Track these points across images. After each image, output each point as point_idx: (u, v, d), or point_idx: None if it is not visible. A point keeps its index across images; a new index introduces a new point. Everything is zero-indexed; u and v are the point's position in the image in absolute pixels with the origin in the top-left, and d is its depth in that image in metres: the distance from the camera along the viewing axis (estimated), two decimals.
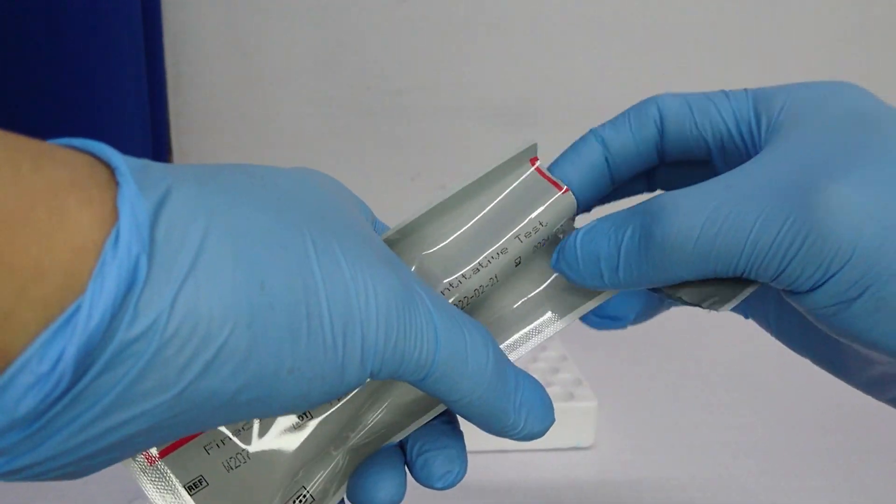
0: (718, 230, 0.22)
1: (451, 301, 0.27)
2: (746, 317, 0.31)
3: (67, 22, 0.72)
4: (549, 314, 0.28)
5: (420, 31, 0.95)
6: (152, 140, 0.90)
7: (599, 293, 0.28)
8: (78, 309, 0.16)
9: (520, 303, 0.29)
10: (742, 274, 0.23)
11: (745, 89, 0.27)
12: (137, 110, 0.86)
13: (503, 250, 0.28)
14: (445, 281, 0.28)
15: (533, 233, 0.29)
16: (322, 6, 0.94)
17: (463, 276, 0.28)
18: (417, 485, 0.38)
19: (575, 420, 0.49)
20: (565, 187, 0.29)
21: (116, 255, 0.16)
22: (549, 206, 0.29)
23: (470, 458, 0.48)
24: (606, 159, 0.29)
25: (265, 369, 0.18)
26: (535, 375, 0.51)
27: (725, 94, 0.27)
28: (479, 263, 0.28)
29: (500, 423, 0.24)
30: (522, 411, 0.24)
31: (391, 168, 0.99)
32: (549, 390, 0.50)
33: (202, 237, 0.18)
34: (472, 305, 0.28)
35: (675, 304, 0.30)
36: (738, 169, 0.24)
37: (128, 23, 0.82)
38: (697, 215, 0.23)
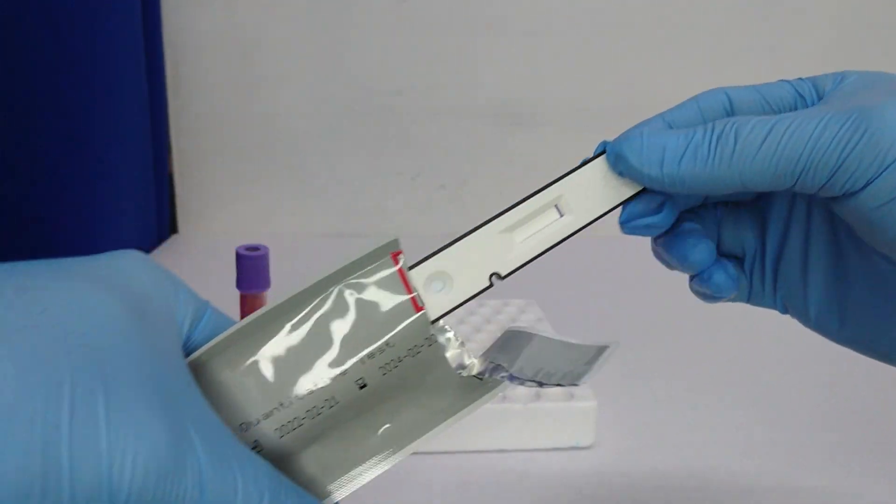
0: (786, 130, 0.25)
1: (276, 426, 0.25)
2: (784, 312, 0.31)
3: (67, 22, 0.72)
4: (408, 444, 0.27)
5: (420, 31, 0.95)
6: (152, 140, 0.90)
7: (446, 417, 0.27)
8: None
9: (378, 432, 0.27)
10: (800, 175, 0.25)
11: (800, 78, 0.30)
12: (137, 110, 0.86)
13: (343, 372, 0.26)
14: (268, 403, 0.25)
15: (378, 353, 0.26)
16: (322, 6, 0.94)
17: (291, 395, 0.25)
18: (416, 485, 0.38)
19: (575, 420, 0.49)
20: (421, 306, 0.26)
21: None
22: (400, 330, 0.26)
23: (470, 457, 0.49)
24: None
25: None
26: None
27: (786, 81, 0.30)
28: (314, 382, 0.26)
29: None
30: None
31: (391, 168, 0.99)
32: (549, 391, 0.50)
33: None
34: (311, 427, 0.26)
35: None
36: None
37: (128, 23, 0.82)
38: (767, 122, 0.25)
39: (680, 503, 0.45)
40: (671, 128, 0.29)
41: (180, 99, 0.95)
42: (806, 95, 0.29)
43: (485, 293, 0.28)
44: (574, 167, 0.28)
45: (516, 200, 0.28)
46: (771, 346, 0.66)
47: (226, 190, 0.99)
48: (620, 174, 0.28)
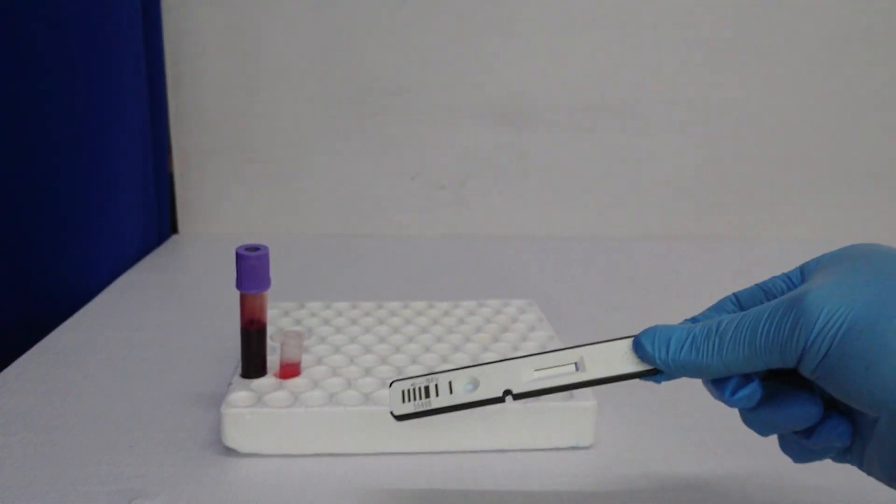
0: (747, 325, 0.32)
1: None
2: (841, 461, 0.35)
3: (68, 22, 0.72)
4: None
5: (420, 31, 0.95)
6: (152, 140, 0.90)
7: None
8: None
9: None
10: (762, 357, 0.31)
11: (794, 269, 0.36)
12: (137, 110, 0.86)
13: None
14: None
15: None
16: (322, 6, 0.94)
17: None
18: (416, 485, 0.38)
19: (575, 420, 0.49)
20: None
21: None
22: None
23: (470, 458, 0.49)
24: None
25: None
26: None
27: (778, 276, 0.36)
28: None
29: None
30: None
31: (391, 168, 0.99)
32: None
33: None
34: None
35: None
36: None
37: (128, 23, 0.82)
38: (734, 320, 0.32)
39: (679, 503, 0.45)
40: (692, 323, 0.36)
41: (180, 98, 0.96)
42: (794, 278, 0.36)
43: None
44: (604, 340, 0.36)
45: (547, 350, 0.37)
46: None
47: (226, 190, 0.99)
48: (640, 358, 0.35)
